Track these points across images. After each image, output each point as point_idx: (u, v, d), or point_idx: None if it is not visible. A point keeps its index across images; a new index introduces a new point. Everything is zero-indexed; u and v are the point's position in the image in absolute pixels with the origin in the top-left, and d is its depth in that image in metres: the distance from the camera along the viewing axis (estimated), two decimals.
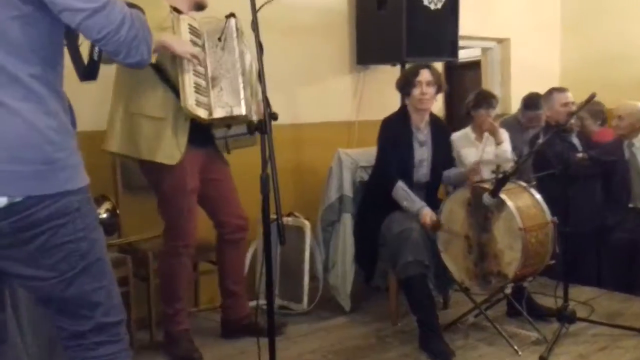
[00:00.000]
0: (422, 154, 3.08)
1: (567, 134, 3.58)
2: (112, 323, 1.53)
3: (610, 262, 3.67)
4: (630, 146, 3.74)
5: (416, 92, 2.98)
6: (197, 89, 2.46)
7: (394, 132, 3.04)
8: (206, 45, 2.53)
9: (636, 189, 3.70)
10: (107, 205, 2.51)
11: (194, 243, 2.72)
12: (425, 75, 2.98)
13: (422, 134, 3.09)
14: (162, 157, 2.54)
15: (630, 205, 3.71)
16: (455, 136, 3.52)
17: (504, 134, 3.39)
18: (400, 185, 2.96)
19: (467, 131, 3.52)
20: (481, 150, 3.25)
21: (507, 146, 3.26)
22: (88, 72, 1.65)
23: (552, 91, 3.90)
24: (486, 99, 3.44)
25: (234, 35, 2.53)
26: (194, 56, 2.43)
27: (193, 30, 2.51)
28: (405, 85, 3.03)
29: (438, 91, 3.05)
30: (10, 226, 1.36)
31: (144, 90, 2.53)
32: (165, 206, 2.66)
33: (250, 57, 2.63)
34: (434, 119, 3.17)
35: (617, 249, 3.65)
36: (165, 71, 2.51)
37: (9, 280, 1.56)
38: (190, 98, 2.41)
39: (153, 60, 2.37)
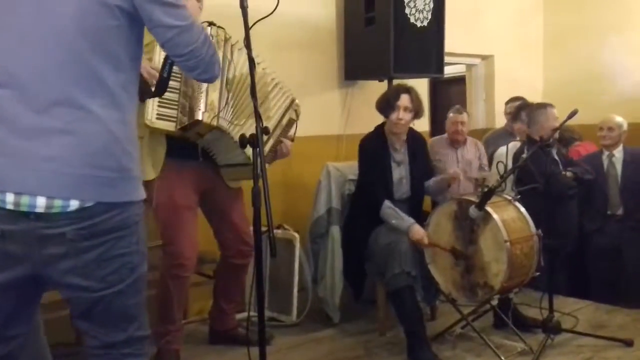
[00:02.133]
0: (401, 173, 3.12)
1: (549, 149, 3.66)
2: (141, 337, 1.55)
3: (595, 268, 3.79)
4: (611, 157, 3.91)
5: (393, 116, 3.03)
6: (163, 102, 2.39)
7: (372, 153, 3.09)
8: None
9: (614, 197, 3.88)
10: None
11: (190, 263, 2.65)
12: (404, 100, 3.02)
13: (399, 153, 3.14)
14: None
15: (609, 213, 3.87)
16: (503, 151, 3.55)
17: None
18: (387, 204, 2.99)
19: (516, 144, 3.56)
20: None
21: None
22: (158, 89, 1.71)
23: (546, 106, 3.95)
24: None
25: None
26: (148, 73, 2.33)
27: None
28: (386, 107, 3.07)
29: (415, 117, 3.08)
30: (76, 233, 1.38)
31: (138, 114, 2.55)
32: (157, 222, 2.64)
33: (242, 66, 2.56)
34: (411, 134, 3.19)
35: (599, 255, 3.79)
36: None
37: (46, 289, 1.56)
38: (149, 112, 2.37)
39: None
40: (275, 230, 2.93)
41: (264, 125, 1.96)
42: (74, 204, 1.36)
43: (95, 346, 1.51)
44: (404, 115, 3.02)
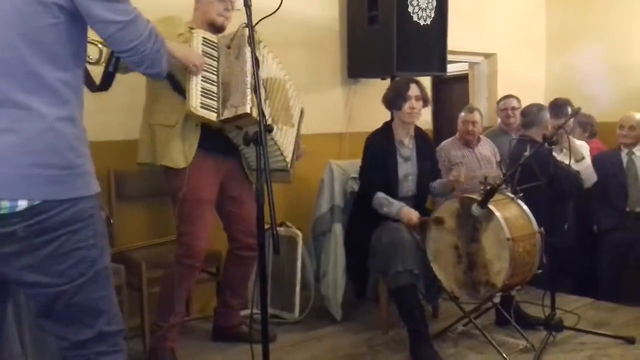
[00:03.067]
0: (407, 169, 3.13)
1: (553, 146, 3.66)
2: (112, 332, 1.53)
3: (604, 265, 3.79)
4: (631, 154, 3.93)
5: (406, 106, 3.05)
6: (205, 93, 2.48)
7: (378, 148, 3.10)
8: (221, 55, 2.58)
9: (633, 194, 3.87)
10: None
11: (201, 255, 2.68)
12: (415, 90, 3.06)
13: (407, 149, 3.15)
14: (168, 161, 2.59)
15: (627, 209, 3.87)
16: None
17: (584, 149, 3.42)
18: (379, 195, 3.02)
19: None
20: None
21: (588, 161, 3.31)
22: (103, 83, 1.71)
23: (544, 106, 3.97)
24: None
25: (246, 42, 2.53)
26: (193, 63, 2.44)
27: (207, 42, 2.57)
28: (397, 98, 3.08)
29: (424, 105, 3.13)
30: (25, 230, 1.37)
31: (160, 101, 2.62)
32: (176, 212, 2.68)
33: (276, 67, 2.72)
34: (418, 132, 3.22)
35: (611, 249, 3.79)
36: (177, 80, 2.56)
37: (10, 291, 1.56)
38: (193, 100, 2.44)
39: None
40: (277, 228, 2.93)
41: (272, 125, 2.02)
42: (22, 204, 1.36)
43: (66, 347, 1.50)
44: (417, 104, 3.05)
